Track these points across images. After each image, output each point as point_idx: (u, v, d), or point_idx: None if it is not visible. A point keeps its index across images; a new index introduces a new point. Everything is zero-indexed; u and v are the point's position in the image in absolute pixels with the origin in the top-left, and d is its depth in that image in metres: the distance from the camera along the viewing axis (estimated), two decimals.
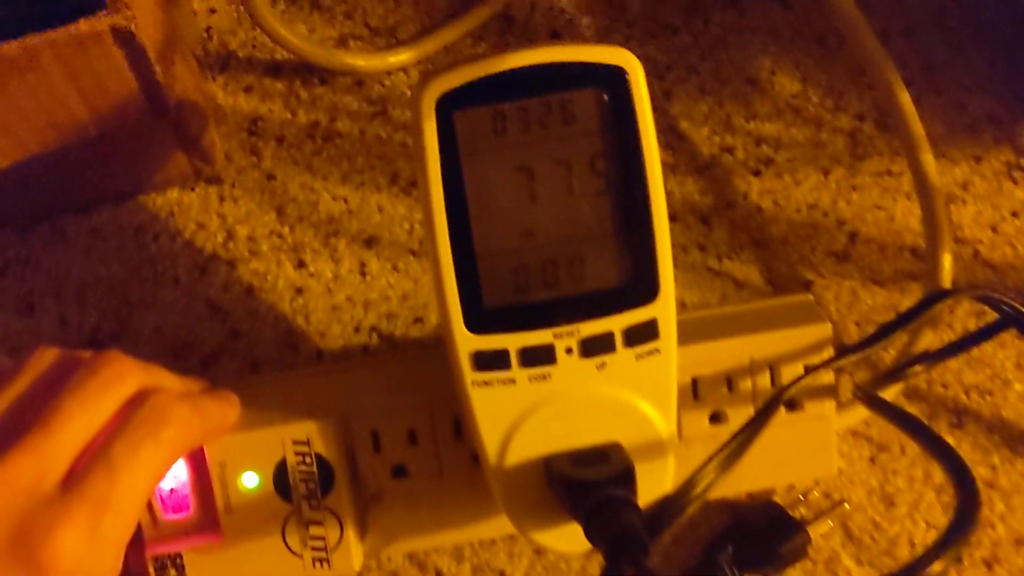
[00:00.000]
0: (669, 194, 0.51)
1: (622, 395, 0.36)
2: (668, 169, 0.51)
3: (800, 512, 0.47)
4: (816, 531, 0.47)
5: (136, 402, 0.34)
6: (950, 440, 0.48)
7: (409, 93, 0.52)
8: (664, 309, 0.35)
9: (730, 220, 0.51)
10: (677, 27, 0.53)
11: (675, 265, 0.50)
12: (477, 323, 0.35)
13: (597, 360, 0.35)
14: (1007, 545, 0.49)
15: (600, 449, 0.36)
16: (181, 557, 0.39)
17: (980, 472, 0.49)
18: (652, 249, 0.35)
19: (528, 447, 0.36)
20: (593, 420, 0.36)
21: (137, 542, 0.40)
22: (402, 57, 0.52)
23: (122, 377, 0.35)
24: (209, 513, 0.39)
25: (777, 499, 0.48)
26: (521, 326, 0.35)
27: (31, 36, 0.38)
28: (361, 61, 0.52)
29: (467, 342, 0.35)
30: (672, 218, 0.51)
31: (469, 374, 0.35)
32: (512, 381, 0.35)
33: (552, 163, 0.34)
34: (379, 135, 0.52)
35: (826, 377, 0.41)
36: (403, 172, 0.51)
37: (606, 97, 0.34)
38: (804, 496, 0.48)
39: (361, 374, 0.43)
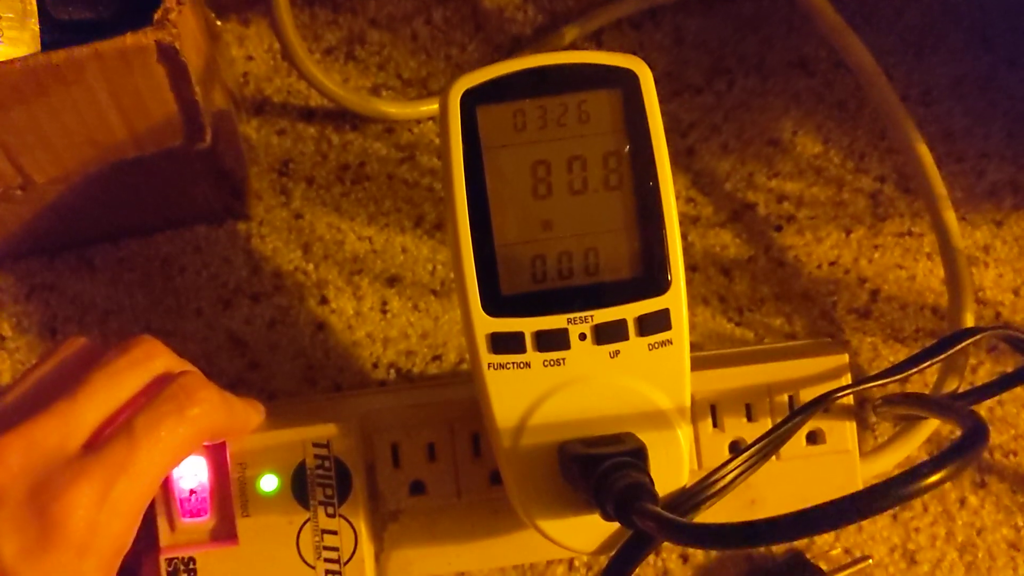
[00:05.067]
0: (690, 245, 0.52)
1: (635, 384, 0.36)
2: (689, 221, 0.52)
3: (822, 567, 0.46)
4: None
5: (165, 380, 0.35)
6: (973, 500, 0.48)
7: (438, 141, 0.53)
8: (676, 301, 0.36)
9: (751, 273, 0.52)
10: (701, 87, 0.54)
11: (694, 315, 0.51)
12: (494, 307, 0.36)
13: (610, 347, 0.36)
14: None
15: (613, 435, 0.35)
16: (194, 560, 0.38)
17: (1003, 533, 0.48)
18: (663, 243, 0.36)
19: (542, 432, 0.36)
20: (607, 408, 0.36)
21: (152, 548, 0.39)
22: (433, 106, 0.53)
23: (151, 357, 0.35)
24: (226, 519, 0.39)
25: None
26: (536, 311, 0.36)
27: (77, 47, 0.39)
28: (393, 108, 0.53)
29: (484, 324, 0.36)
30: (693, 268, 0.51)
31: (485, 356, 0.36)
32: (527, 364, 0.36)
33: (568, 159, 0.36)
34: (406, 179, 0.53)
35: (847, 402, 0.41)
36: (428, 215, 0.52)
37: (619, 98, 0.36)
38: (826, 552, 0.47)
39: (381, 397, 0.43)
